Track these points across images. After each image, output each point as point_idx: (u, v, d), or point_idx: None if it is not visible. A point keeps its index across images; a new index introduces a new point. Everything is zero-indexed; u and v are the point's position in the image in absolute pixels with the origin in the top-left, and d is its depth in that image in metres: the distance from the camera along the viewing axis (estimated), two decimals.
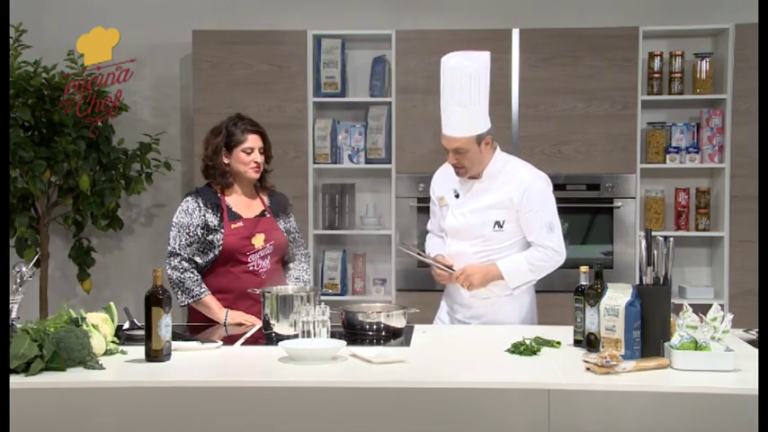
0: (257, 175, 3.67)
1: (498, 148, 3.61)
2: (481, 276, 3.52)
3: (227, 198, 3.67)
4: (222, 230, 3.59)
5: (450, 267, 3.58)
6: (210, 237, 3.59)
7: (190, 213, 3.60)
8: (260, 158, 3.66)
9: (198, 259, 3.60)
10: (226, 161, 3.65)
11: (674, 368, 2.69)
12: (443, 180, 3.72)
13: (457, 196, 3.63)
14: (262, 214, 3.71)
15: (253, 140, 3.64)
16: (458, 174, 3.58)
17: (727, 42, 5.05)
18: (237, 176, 3.67)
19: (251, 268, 3.63)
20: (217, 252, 3.59)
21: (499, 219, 3.54)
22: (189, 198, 3.67)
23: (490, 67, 3.53)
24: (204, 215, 3.60)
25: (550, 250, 3.55)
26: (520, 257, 3.55)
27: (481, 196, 3.57)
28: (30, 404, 2.57)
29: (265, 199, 3.76)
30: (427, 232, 3.88)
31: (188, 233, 3.58)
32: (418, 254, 3.73)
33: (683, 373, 2.66)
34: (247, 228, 3.63)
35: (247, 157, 3.63)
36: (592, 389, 2.56)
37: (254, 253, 3.63)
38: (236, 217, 3.64)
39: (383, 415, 2.58)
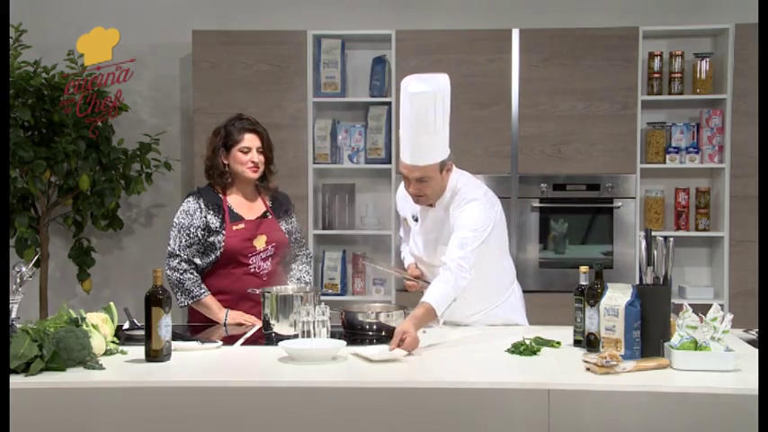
0: (255, 175, 3.66)
1: (454, 169, 3.41)
2: (416, 330, 3.05)
3: (228, 199, 3.67)
4: (223, 232, 3.59)
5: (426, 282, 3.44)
6: (212, 238, 3.59)
7: (191, 214, 3.60)
8: (257, 158, 3.64)
9: (198, 260, 3.60)
10: (225, 161, 3.65)
11: (674, 368, 2.69)
12: (404, 201, 3.59)
13: (416, 220, 3.54)
14: (264, 215, 3.70)
15: (249, 140, 3.63)
16: (416, 202, 3.43)
17: (727, 42, 5.05)
18: (237, 176, 3.66)
19: (252, 270, 3.62)
20: (218, 254, 3.59)
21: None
22: (190, 198, 3.66)
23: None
24: (205, 216, 3.60)
25: (453, 263, 3.21)
26: (438, 284, 3.22)
27: (433, 228, 3.45)
28: (30, 404, 2.57)
29: (267, 200, 3.76)
30: (400, 239, 3.82)
31: (188, 234, 3.58)
32: (383, 268, 3.62)
33: (683, 373, 2.66)
34: (249, 229, 3.63)
35: (244, 156, 3.62)
36: (592, 389, 2.56)
37: (256, 255, 3.63)
38: (237, 218, 3.64)
39: (383, 415, 2.58)
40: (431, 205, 3.44)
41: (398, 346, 2.96)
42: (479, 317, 3.51)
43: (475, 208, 3.34)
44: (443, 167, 3.34)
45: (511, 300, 3.63)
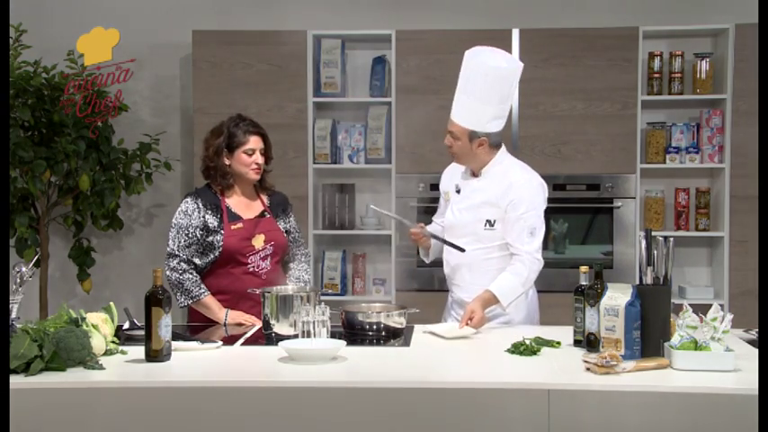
0: (258, 177, 3.67)
1: (503, 149, 3.60)
2: (483, 311, 3.37)
3: (227, 199, 3.67)
4: (222, 232, 3.59)
5: (451, 243, 3.57)
6: (210, 238, 3.59)
7: (189, 215, 3.60)
8: (261, 160, 3.65)
9: (197, 260, 3.60)
10: (227, 162, 3.64)
11: (674, 368, 2.69)
12: (450, 175, 3.75)
13: (458, 191, 3.66)
14: (262, 215, 3.71)
15: (254, 142, 3.64)
16: (450, 156, 3.63)
17: (727, 42, 5.04)
18: (238, 177, 3.67)
19: (251, 269, 3.63)
20: (217, 253, 3.59)
21: (490, 217, 3.53)
22: (188, 199, 3.66)
23: None
24: (204, 216, 3.60)
25: (530, 256, 3.45)
26: (508, 276, 3.45)
27: (476, 194, 3.59)
28: (30, 404, 2.57)
29: (265, 199, 3.76)
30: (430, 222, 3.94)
31: (187, 234, 3.58)
32: (388, 214, 3.87)
33: (683, 373, 2.66)
34: (247, 229, 3.63)
35: (249, 158, 3.63)
36: (592, 389, 2.56)
37: (255, 254, 3.63)
38: (235, 218, 3.64)
39: (383, 415, 2.58)
40: (476, 175, 3.60)
41: (467, 323, 3.29)
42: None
43: (533, 186, 3.55)
44: (473, 138, 3.50)
45: (528, 294, 3.66)
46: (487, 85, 3.43)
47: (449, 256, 3.67)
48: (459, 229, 3.61)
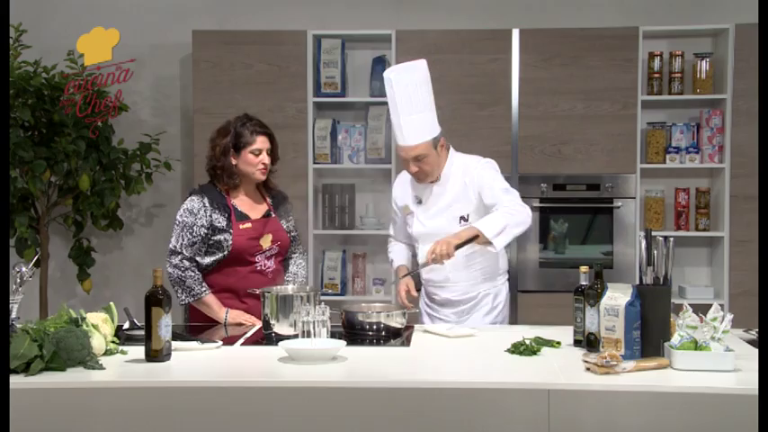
0: (264, 177, 3.67)
1: (451, 149, 3.69)
2: (454, 238, 3.41)
3: (232, 199, 3.67)
4: (231, 231, 3.58)
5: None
6: (217, 237, 3.58)
7: (194, 213, 3.59)
8: (267, 160, 3.65)
9: (199, 259, 3.59)
10: (233, 162, 3.64)
11: (674, 368, 2.69)
12: (404, 189, 3.80)
13: (420, 202, 3.71)
14: (267, 215, 3.71)
15: (261, 142, 3.64)
16: (418, 181, 3.66)
17: (727, 42, 5.05)
18: (244, 177, 3.66)
19: (258, 268, 3.63)
20: (225, 252, 3.59)
21: (462, 213, 3.61)
22: (194, 198, 3.65)
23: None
24: (210, 216, 3.59)
25: (509, 201, 3.51)
26: (491, 215, 3.49)
27: (441, 197, 3.65)
28: (30, 404, 2.57)
29: (268, 199, 3.76)
30: (389, 237, 3.96)
31: (191, 233, 3.57)
32: (417, 272, 3.75)
33: (683, 373, 2.66)
34: (256, 228, 3.63)
35: (255, 158, 3.63)
36: (592, 389, 2.56)
37: (261, 253, 3.63)
38: (243, 217, 3.64)
39: (383, 415, 2.58)
40: (433, 181, 3.64)
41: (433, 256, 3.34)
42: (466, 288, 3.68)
43: (484, 163, 3.64)
44: (437, 144, 3.58)
45: (500, 292, 3.74)
46: (421, 94, 3.52)
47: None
48: (435, 235, 3.59)
